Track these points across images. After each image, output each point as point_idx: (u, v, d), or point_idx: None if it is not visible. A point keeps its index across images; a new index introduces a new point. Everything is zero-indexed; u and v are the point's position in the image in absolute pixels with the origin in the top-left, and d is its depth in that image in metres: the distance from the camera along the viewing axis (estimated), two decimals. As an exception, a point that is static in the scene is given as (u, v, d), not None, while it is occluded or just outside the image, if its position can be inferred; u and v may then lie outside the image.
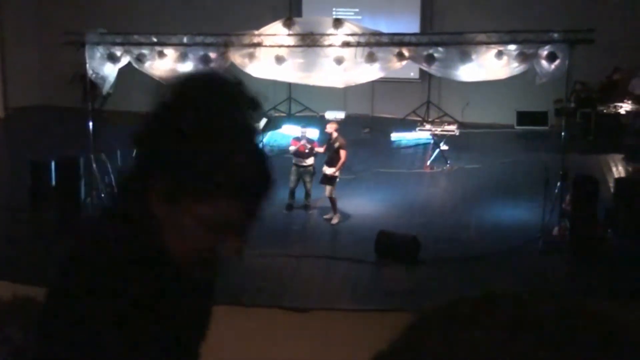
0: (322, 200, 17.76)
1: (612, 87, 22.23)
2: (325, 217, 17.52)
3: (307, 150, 17.42)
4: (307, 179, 17.53)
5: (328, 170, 17.13)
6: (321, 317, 13.75)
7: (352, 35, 17.16)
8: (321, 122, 21.43)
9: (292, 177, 17.54)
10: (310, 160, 17.48)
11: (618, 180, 17.70)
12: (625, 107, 21.50)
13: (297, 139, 17.70)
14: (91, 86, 19.43)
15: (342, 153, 17.15)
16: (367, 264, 15.74)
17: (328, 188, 17.21)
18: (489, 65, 17.01)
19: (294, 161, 17.55)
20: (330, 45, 17.14)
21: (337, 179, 17.27)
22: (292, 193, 17.72)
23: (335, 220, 17.36)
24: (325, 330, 13.71)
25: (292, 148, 17.62)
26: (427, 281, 15.02)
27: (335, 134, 17.30)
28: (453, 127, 21.05)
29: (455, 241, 16.37)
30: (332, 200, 17.32)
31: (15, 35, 24.79)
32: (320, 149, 17.50)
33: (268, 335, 13.87)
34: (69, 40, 17.44)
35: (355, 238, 16.95)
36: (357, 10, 23.83)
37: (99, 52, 17.30)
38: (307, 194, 17.71)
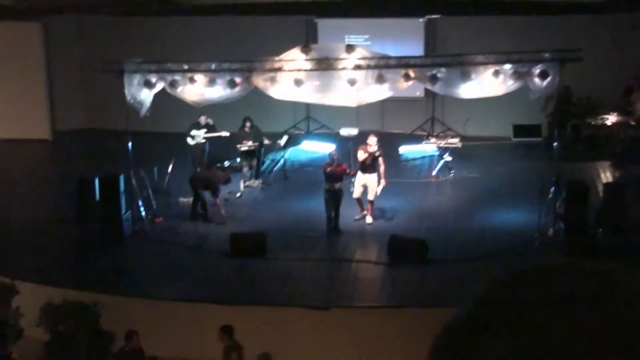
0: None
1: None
2: (357, 218, 17.53)
3: (340, 172, 16.92)
4: (339, 201, 16.92)
5: (371, 178, 17.07)
6: (340, 314, 13.73)
7: (363, 59, 17.15)
8: (337, 138, 21.43)
9: (328, 204, 16.86)
10: (339, 184, 16.95)
11: (606, 185, 17.64)
12: (611, 118, 21.41)
13: (329, 164, 17.05)
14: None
15: (381, 160, 17.14)
16: (380, 265, 15.72)
17: (374, 192, 17.22)
18: (487, 83, 16.94)
19: (326, 187, 16.92)
20: (343, 69, 17.12)
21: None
22: (331, 219, 16.93)
23: (370, 221, 17.41)
24: (345, 326, 13.70)
25: (329, 170, 16.97)
26: (435, 280, 15.00)
27: (375, 144, 17.17)
28: (456, 140, 20.97)
29: (460, 243, 16.34)
30: (373, 203, 17.37)
31: (61, 65, 24.91)
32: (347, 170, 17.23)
33: (292, 332, 13.87)
34: (109, 69, 17.52)
35: (370, 242, 16.94)
36: (367, 36, 23.78)
37: (136, 79, 17.35)
38: (337, 215, 16.97)
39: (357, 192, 17.35)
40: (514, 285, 1.21)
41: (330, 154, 17.56)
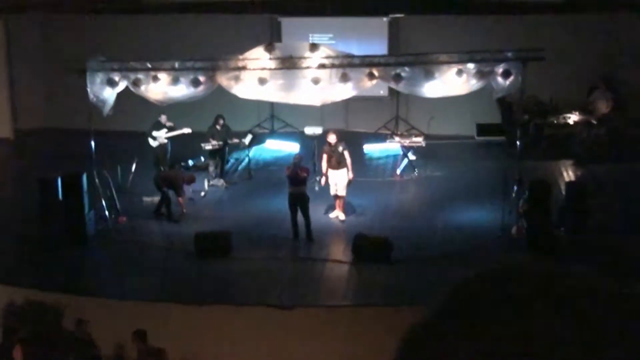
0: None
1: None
2: (331, 215, 17.61)
3: (302, 176, 16.60)
4: (305, 206, 16.50)
5: (341, 174, 17.19)
6: (304, 313, 13.72)
7: (327, 58, 17.18)
8: (301, 137, 21.43)
9: (292, 208, 16.46)
10: (303, 187, 16.63)
11: (568, 184, 17.80)
12: (573, 117, 21.60)
13: (290, 167, 16.77)
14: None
15: (346, 154, 17.26)
16: (345, 264, 15.74)
17: (343, 187, 17.27)
18: (451, 82, 17.05)
19: (290, 190, 16.57)
20: (307, 68, 17.14)
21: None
22: (295, 223, 16.54)
23: (342, 217, 17.51)
24: (309, 325, 13.71)
25: (288, 172, 16.74)
26: (399, 278, 15.04)
27: (335, 141, 17.29)
28: (420, 139, 21.03)
29: (424, 242, 16.40)
30: (344, 198, 17.43)
31: (22, 63, 24.70)
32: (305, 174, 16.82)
33: (256, 331, 13.85)
34: (71, 67, 17.40)
35: (334, 240, 16.96)
36: (331, 35, 23.82)
37: (99, 77, 17.24)
38: (308, 223, 16.50)
39: (333, 190, 17.41)
40: (476, 288, 1.25)
41: (294, 156, 17.57)
